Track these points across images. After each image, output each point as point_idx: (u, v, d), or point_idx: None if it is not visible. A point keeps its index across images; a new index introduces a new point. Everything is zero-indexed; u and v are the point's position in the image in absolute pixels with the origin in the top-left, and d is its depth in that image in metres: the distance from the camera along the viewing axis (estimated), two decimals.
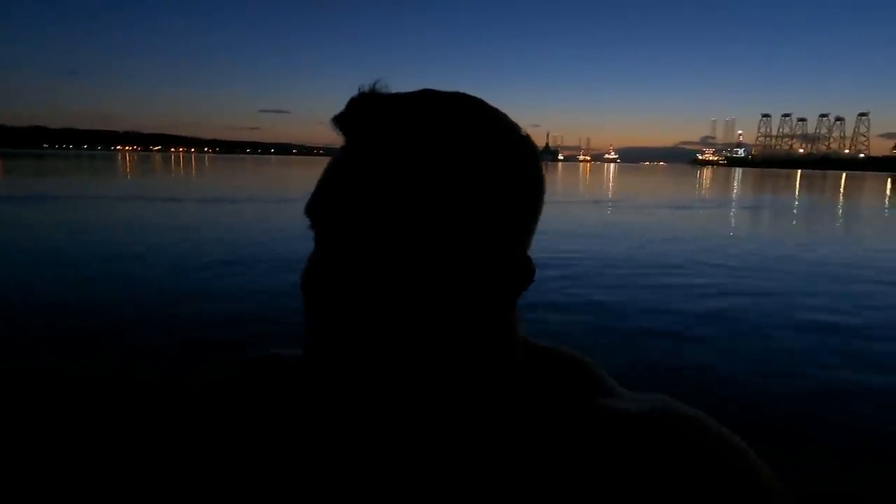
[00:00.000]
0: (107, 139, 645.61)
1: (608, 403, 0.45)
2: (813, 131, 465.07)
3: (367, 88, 0.43)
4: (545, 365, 0.47)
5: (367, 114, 0.42)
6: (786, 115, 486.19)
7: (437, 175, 0.40)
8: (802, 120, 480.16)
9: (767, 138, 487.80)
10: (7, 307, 6.15)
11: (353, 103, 0.42)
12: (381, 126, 0.41)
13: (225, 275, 7.89)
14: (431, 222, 0.40)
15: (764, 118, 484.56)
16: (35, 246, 10.09)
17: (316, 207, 0.42)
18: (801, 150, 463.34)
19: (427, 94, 0.43)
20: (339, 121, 0.43)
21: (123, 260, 8.80)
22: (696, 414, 0.45)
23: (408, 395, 0.44)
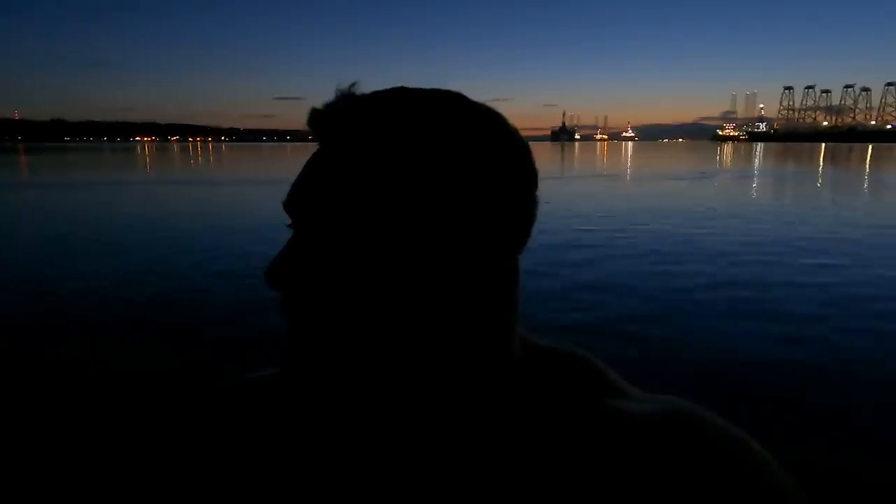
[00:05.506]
0: (125, 130, 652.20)
1: (619, 404, 0.44)
2: (838, 103, 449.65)
3: (340, 90, 0.43)
4: (547, 364, 0.46)
5: (341, 115, 0.42)
6: (809, 87, 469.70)
7: (413, 169, 0.40)
8: (826, 91, 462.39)
9: (790, 111, 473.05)
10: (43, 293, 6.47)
11: (328, 106, 0.43)
12: (355, 124, 0.41)
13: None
14: (412, 216, 0.39)
15: (786, 91, 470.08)
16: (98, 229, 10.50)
17: (294, 203, 0.42)
18: (826, 123, 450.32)
19: (401, 91, 0.43)
20: (313, 122, 0.43)
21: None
22: (709, 416, 0.44)
23: (396, 398, 0.43)
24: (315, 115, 0.43)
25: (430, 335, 0.41)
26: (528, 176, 0.43)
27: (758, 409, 3.70)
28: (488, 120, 0.43)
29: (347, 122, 0.41)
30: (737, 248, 8.97)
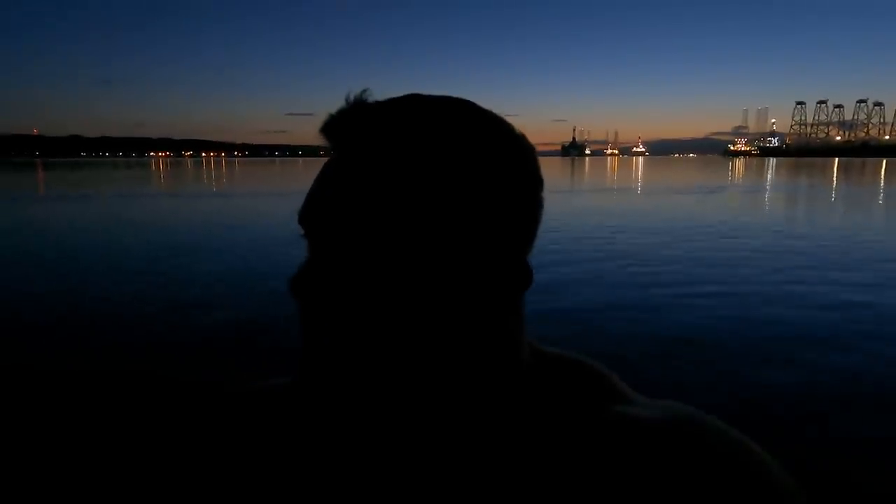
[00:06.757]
0: (140, 146, 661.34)
1: (624, 410, 0.44)
2: (851, 118, 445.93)
3: (353, 97, 0.43)
4: (554, 370, 0.47)
5: (354, 122, 0.42)
6: (821, 102, 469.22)
7: (427, 177, 0.40)
8: (839, 106, 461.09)
9: (802, 126, 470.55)
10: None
11: (340, 113, 0.43)
12: (368, 132, 0.41)
13: None
14: (425, 225, 0.40)
15: (798, 106, 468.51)
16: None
17: (309, 215, 0.42)
18: (839, 138, 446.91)
19: (413, 98, 0.43)
20: (327, 130, 0.43)
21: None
22: (710, 419, 0.44)
23: (410, 404, 0.43)
24: (328, 123, 0.43)
25: (442, 341, 0.42)
26: (534, 178, 0.44)
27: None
28: (495, 125, 0.43)
29: (359, 129, 0.42)
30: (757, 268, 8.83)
